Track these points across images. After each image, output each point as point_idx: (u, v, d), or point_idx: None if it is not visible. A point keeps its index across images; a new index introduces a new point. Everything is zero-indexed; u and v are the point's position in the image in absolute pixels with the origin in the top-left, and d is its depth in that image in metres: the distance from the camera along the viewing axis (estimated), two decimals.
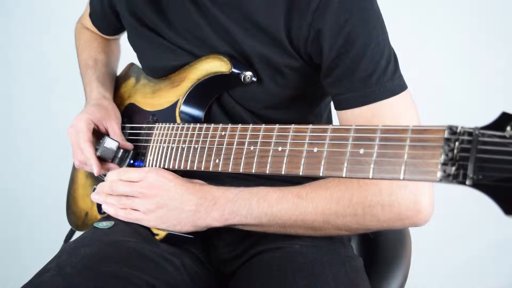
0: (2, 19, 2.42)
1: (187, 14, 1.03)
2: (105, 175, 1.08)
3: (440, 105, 2.08)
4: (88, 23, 1.35)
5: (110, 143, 1.06)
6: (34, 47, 2.43)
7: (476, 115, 1.73)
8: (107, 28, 1.32)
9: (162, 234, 0.97)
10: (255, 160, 0.81)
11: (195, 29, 1.03)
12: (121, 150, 1.08)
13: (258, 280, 0.94)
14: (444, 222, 1.75)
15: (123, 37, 1.34)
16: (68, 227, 1.34)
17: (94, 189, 1.18)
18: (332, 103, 1.08)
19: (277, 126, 0.80)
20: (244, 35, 0.97)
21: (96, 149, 1.07)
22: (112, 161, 1.07)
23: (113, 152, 1.06)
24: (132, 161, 1.09)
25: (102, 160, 1.07)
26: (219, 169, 0.88)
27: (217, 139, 0.90)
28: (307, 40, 0.92)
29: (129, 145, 1.10)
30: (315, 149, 0.73)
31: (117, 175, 1.02)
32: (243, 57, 1.00)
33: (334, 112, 1.07)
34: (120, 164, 1.08)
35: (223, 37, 1.00)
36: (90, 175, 1.23)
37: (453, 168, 0.57)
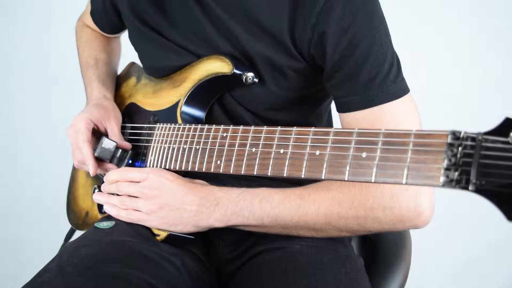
0: (2, 19, 2.42)
1: (190, 14, 1.03)
2: (104, 175, 1.08)
3: (442, 106, 2.08)
4: (89, 21, 1.34)
5: (107, 144, 1.06)
6: (34, 47, 2.43)
7: (478, 116, 1.74)
8: (108, 27, 1.32)
9: (163, 234, 0.97)
10: (256, 162, 0.81)
11: (198, 29, 1.03)
12: (120, 150, 1.08)
13: (259, 280, 0.94)
14: (444, 223, 1.75)
15: (124, 36, 1.34)
16: (68, 227, 1.34)
17: (94, 189, 1.18)
18: (332, 104, 1.08)
19: (279, 128, 0.80)
20: (247, 36, 0.97)
21: (94, 150, 1.06)
22: (111, 161, 1.07)
23: (111, 153, 1.06)
24: (131, 161, 1.09)
25: (100, 160, 1.07)
26: (221, 171, 0.88)
27: (218, 140, 0.90)
28: (310, 42, 0.93)
29: (127, 145, 1.10)
30: (317, 152, 0.73)
31: (118, 175, 1.02)
32: (246, 58, 1.00)
33: (334, 113, 1.07)
34: (118, 164, 1.08)
35: (226, 37, 1.00)
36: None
37: (456, 173, 0.57)
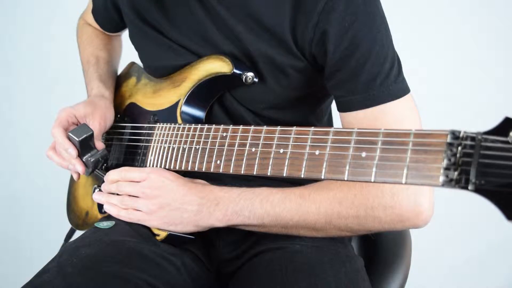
0: (2, 19, 2.42)
1: (191, 12, 1.03)
2: (104, 175, 1.08)
3: (442, 106, 2.08)
4: (90, 19, 1.35)
5: (84, 127, 1.04)
6: (34, 47, 2.43)
7: (478, 116, 1.73)
8: (109, 25, 1.32)
9: (163, 234, 0.97)
10: (256, 162, 0.81)
11: (199, 28, 1.03)
12: (94, 147, 1.05)
13: (259, 280, 0.94)
14: (444, 222, 1.75)
15: (125, 35, 1.34)
16: (68, 227, 1.34)
17: (94, 188, 1.18)
18: (333, 104, 1.08)
19: (278, 128, 0.80)
20: (248, 35, 0.97)
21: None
22: (81, 152, 1.04)
23: (81, 135, 1.03)
24: (101, 159, 1.07)
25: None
26: (220, 170, 0.88)
27: (218, 140, 0.90)
28: (311, 41, 0.93)
29: (100, 145, 1.08)
30: (317, 152, 0.73)
31: (118, 175, 1.02)
32: (247, 57, 1.00)
33: (334, 113, 1.07)
34: (87, 159, 1.06)
35: (227, 36, 1.00)
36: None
37: (456, 173, 0.57)
